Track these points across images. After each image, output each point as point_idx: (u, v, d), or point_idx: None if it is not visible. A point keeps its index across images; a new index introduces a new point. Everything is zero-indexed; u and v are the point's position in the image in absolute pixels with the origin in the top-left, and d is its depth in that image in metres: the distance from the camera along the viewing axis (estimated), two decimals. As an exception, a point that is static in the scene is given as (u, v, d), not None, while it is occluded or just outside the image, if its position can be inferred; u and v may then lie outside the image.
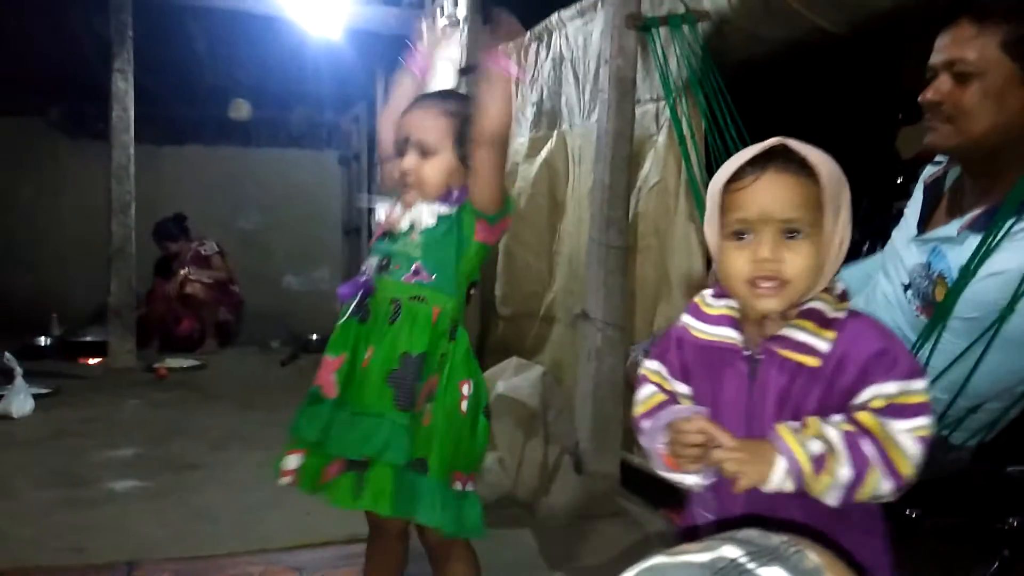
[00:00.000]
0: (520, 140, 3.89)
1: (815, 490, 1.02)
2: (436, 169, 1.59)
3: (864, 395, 1.04)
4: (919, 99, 1.59)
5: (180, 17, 5.31)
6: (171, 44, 5.48)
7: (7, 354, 3.89)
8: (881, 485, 1.02)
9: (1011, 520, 1.78)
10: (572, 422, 2.92)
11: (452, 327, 1.59)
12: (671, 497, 1.19)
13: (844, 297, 1.10)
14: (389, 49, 5.41)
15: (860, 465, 1.01)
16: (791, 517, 1.07)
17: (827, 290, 1.09)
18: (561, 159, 3.57)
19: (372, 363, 1.55)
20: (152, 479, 2.91)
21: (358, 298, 1.60)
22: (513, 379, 2.92)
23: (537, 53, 3.77)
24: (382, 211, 1.67)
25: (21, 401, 3.70)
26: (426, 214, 1.60)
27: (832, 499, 1.03)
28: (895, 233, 1.78)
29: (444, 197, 1.61)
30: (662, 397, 1.20)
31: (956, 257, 1.53)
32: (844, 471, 1.01)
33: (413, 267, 1.58)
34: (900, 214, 1.82)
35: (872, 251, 2.10)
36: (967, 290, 1.47)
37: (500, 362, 3.12)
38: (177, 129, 6.73)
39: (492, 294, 4.06)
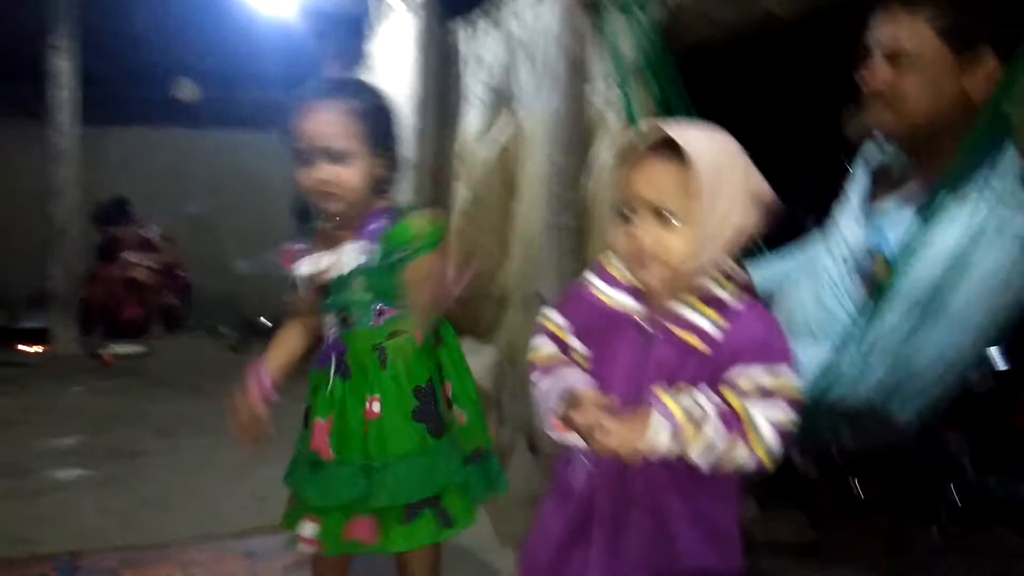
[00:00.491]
0: (471, 120, 3.87)
1: (691, 447, 1.08)
2: (353, 174, 1.50)
3: (734, 371, 1.10)
4: (856, 80, 1.62)
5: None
6: (114, 21, 5.33)
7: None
8: (743, 458, 1.09)
9: (950, 486, 1.84)
10: (527, 404, 2.93)
11: (435, 334, 1.61)
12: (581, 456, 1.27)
13: (746, 288, 1.15)
14: (339, 28, 5.34)
15: (728, 433, 1.08)
16: (656, 477, 1.15)
17: (730, 278, 1.14)
18: (514, 140, 3.56)
19: (385, 411, 1.53)
20: (97, 467, 2.86)
21: (334, 360, 1.57)
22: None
23: (489, 33, 3.74)
24: (305, 268, 1.58)
25: (-42, 390, 3.60)
26: (356, 255, 1.53)
27: (704, 461, 1.09)
28: (837, 211, 1.82)
29: (365, 229, 1.54)
30: (559, 356, 1.25)
31: (895, 234, 1.57)
32: (715, 435, 1.08)
33: (374, 310, 1.56)
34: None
35: (819, 231, 2.14)
36: (908, 266, 1.51)
37: (453, 344, 3.12)
38: (121, 110, 6.51)
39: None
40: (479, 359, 2.94)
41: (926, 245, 1.49)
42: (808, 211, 2.67)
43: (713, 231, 1.09)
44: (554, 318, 1.28)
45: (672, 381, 1.13)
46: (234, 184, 6.62)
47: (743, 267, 1.18)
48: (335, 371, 1.56)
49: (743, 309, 1.13)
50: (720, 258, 1.13)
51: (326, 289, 1.58)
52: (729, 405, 1.09)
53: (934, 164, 1.59)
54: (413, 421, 1.54)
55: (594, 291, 1.21)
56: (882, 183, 1.76)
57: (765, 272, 2.02)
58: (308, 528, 1.57)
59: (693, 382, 1.12)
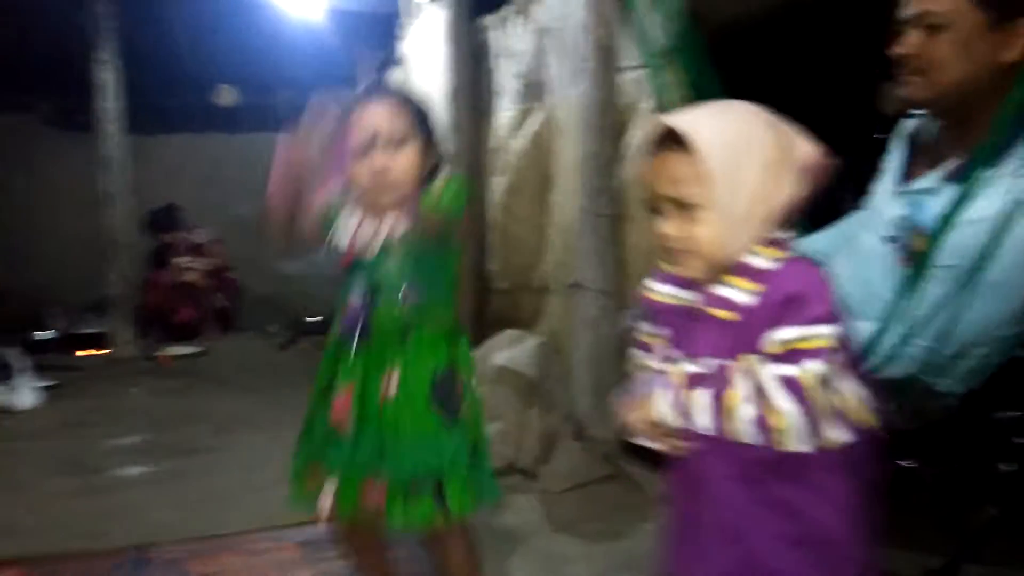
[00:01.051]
0: (506, 113, 3.89)
1: (690, 408, 1.07)
2: (409, 160, 1.56)
3: (768, 340, 1.06)
4: (890, 53, 1.61)
5: (161, 5, 5.28)
6: (154, 33, 5.45)
7: (8, 348, 3.93)
8: (742, 413, 1.03)
9: (1001, 466, 1.82)
10: (571, 390, 2.96)
11: (456, 332, 1.64)
12: (671, 459, 1.24)
13: (781, 245, 1.10)
14: (370, 28, 5.40)
15: (720, 385, 1.05)
16: (721, 472, 1.11)
17: (768, 241, 1.10)
18: (548, 131, 3.58)
19: (402, 391, 1.57)
20: (159, 464, 2.96)
21: (358, 332, 1.60)
22: (511, 350, 2.96)
23: (520, 25, 3.76)
24: (343, 237, 1.62)
25: (24, 394, 3.74)
26: (396, 235, 1.57)
27: (703, 420, 1.06)
28: (876, 187, 1.81)
29: (403, 208, 1.58)
30: (643, 361, 1.25)
31: (936, 208, 1.55)
32: (706, 392, 1.06)
33: (402, 292, 1.59)
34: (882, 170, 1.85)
35: (856, 209, 2.13)
36: (947, 239, 1.50)
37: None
38: (164, 118, 6.68)
39: (487, 268, 4.09)
40: (522, 348, 2.97)
41: (964, 216, 1.48)
42: (845, 188, 2.66)
43: (740, 212, 1.07)
44: (644, 327, 1.28)
45: (714, 358, 1.11)
46: (276, 186, 6.73)
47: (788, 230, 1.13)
48: (360, 338, 1.60)
49: (777, 269, 1.08)
50: (760, 233, 1.09)
51: (357, 261, 1.61)
52: (745, 365, 1.06)
53: (971, 136, 1.57)
54: (427, 403, 1.57)
55: (648, 293, 1.22)
56: (920, 158, 1.74)
57: (803, 250, 2.02)
58: (327, 495, 1.61)
59: (726, 353, 1.09)
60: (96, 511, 2.52)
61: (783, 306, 1.05)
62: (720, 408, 1.05)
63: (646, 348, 1.27)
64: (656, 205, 1.12)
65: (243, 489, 2.69)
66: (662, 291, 1.20)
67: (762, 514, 1.09)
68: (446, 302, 1.64)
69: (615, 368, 2.76)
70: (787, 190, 1.09)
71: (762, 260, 1.09)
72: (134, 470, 2.91)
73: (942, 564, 1.90)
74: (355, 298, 1.62)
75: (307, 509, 1.66)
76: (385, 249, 1.58)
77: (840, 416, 1.05)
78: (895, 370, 1.62)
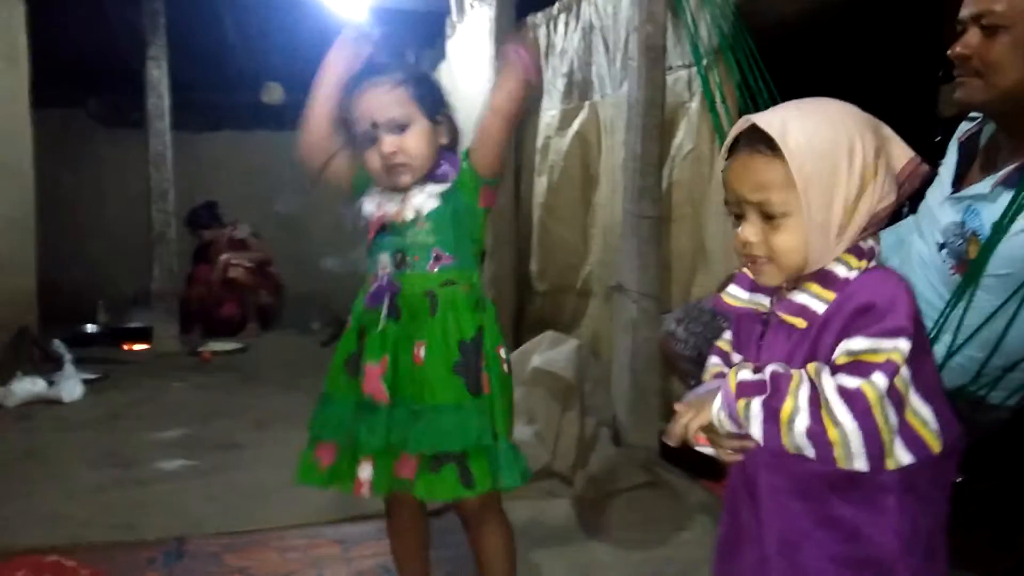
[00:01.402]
0: (551, 112, 3.87)
1: (739, 414, 1.03)
2: (418, 140, 1.54)
3: (836, 351, 1.01)
4: (948, 53, 1.56)
5: (211, 3, 5.35)
6: (203, 31, 5.54)
7: (56, 341, 4.01)
8: (796, 424, 0.98)
9: (1058, 481, 1.75)
10: (609, 394, 2.92)
11: (481, 298, 1.62)
12: (710, 467, 1.20)
13: (866, 256, 1.04)
14: (417, 26, 5.41)
15: (777, 396, 1.00)
16: (776, 484, 1.07)
17: (853, 250, 1.04)
18: (593, 130, 3.55)
19: (429, 358, 1.54)
20: (200, 458, 2.98)
21: (387, 301, 1.58)
22: (549, 352, 2.93)
23: (566, 23, 3.74)
24: (371, 205, 1.62)
25: (71, 386, 3.81)
26: (425, 198, 1.56)
27: (755, 429, 1.01)
28: (929, 192, 1.75)
29: (434, 174, 1.58)
30: (719, 369, 1.22)
31: (990, 214, 1.50)
32: (759, 399, 1.01)
33: (433, 254, 1.57)
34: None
35: (912, 213, 2.07)
36: (1000, 246, 1.45)
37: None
38: (212, 115, 6.79)
39: (528, 269, 4.07)
40: (561, 351, 2.94)
41: (1019, 224, 1.43)
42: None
43: (829, 223, 1.00)
44: (726, 335, 1.25)
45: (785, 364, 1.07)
46: (321, 183, 6.80)
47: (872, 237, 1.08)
48: (388, 312, 1.57)
49: (854, 278, 1.02)
50: (847, 244, 1.03)
51: (385, 228, 1.60)
52: (806, 373, 1.01)
53: (1030, 140, 1.52)
54: (453, 373, 1.54)
55: (726, 298, 1.16)
56: (975, 163, 1.69)
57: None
58: (364, 471, 1.58)
59: (795, 360, 1.05)
60: (135, 503, 2.55)
61: (856, 316, 1.00)
62: (774, 417, 1.00)
63: (721, 354, 1.24)
64: (738, 208, 1.07)
65: (281, 485, 2.69)
66: (739, 295, 1.15)
67: (816, 531, 1.04)
68: (473, 266, 1.62)
69: (654, 372, 2.72)
70: (880, 199, 1.03)
71: (844, 269, 1.03)
72: (174, 463, 2.94)
73: (994, 584, 1.83)
74: (382, 268, 1.60)
75: (314, 483, 1.66)
76: (414, 215, 1.56)
77: (905, 436, 1.00)
78: (945, 381, 1.56)
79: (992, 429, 1.68)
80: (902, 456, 1.00)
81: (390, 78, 1.55)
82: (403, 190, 1.58)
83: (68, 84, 5.99)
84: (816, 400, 0.98)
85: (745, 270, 1.14)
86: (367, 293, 1.62)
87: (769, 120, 1.02)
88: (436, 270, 1.57)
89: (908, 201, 1.94)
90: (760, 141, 1.02)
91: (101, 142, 6.55)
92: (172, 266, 5.05)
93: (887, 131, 1.06)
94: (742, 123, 1.06)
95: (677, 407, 1.13)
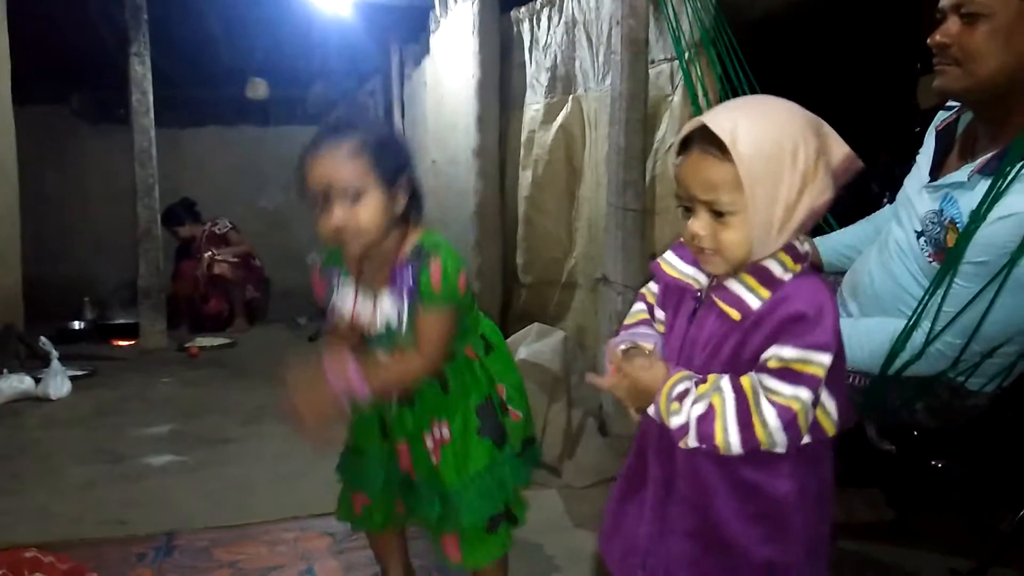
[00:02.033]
0: (535, 106, 3.88)
1: (664, 417, 1.13)
2: (371, 212, 1.45)
3: (767, 353, 1.09)
4: (927, 42, 1.58)
5: (194, -1, 5.33)
6: (186, 26, 5.51)
7: (43, 338, 4.00)
8: (728, 438, 1.09)
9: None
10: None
11: (485, 342, 1.64)
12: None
13: (801, 259, 1.11)
14: (401, 21, 5.41)
15: (709, 413, 1.10)
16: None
17: (789, 250, 1.11)
18: (577, 124, 3.57)
19: (456, 434, 1.58)
20: (188, 453, 2.99)
21: (396, 395, 1.61)
22: (535, 344, 2.95)
23: (549, 18, 3.75)
24: (344, 303, 1.58)
25: (58, 383, 3.80)
26: (391, 307, 1.52)
27: (677, 431, 1.12)
28: (907, 181, 1.78)
29: (394, 281, 1.51)
30: (644, 315, 1.31)
31: (967, 202, 1.53)
32: (695, 408, 1.11)
33: None
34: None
35: (891, 202, 2.10)
36: (977, 234, 1.47)
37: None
38: (196, 111, 6.77)
39: (514, 262, 4.09)
40: (547, 343, 2.96)
41: (996, 212, 1.45)
42: (878, 182, 2.62)
43: (770, 220, 1.06)
44: (651, 287, 1.33)
45: (717, 354, 1.14)
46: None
47: (809, 239, 1.15)
48: (399, 401, 1.61)
49: (790, 281, 1.10)
50: (787, 240, 1.09)
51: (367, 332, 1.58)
52: (738, 383, 1.10)
53: (1005, 130, 1.54)
54: (479, 439, 1.58)
55: (663, 265, 1.23)
56: (953, 151, 1.72)
57: (834, 245, 2.00)
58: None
59: (723, 348, 1.14)
60: (124, 498, 2.56)
61: (787, 323, 1.07)
62: (711, 427, 1.10)
63: (646, 303, 1.33)
64: (686, 202, 1.12)
65: (270, 479, 2.71)
66: (676, 265, 1.22)
67: (726, 489, 1.16)
68: (470, 329, 1.62)
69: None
70: (819, 196, 1.08)
71: (779, 268, 1.11)
72: (162, 459, 2.95)
73: (969, 567, 1.87)
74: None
75: (352, 523, 1.78)
76: (388, 326, 1.52)
77: (812, 425, 1.12)
78: (923, 367, 1.60)
79: (971, 415, 1.72)
80: (806, 438, 1.13)
81: (349, 143, 1.45)
82: (370, 296, 1.54)
83: (51, 80, 5.96)
84: (746, 415, 1.08)
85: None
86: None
87: (720, 123, 1.06)
88: None
89: (887, 191, 1.98)
90: (711, 143, 1.07)
91: (85, 138, 6.52)
92: (158, 262, 5.03)
93: (827, 128, 1.11)
94: (694, 123, 1.10)
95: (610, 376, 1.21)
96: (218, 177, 6.63)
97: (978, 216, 1.48)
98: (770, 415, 1.07)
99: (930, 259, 1.61)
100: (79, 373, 4.12)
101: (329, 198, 1.44)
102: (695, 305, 1.20)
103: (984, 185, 1.50)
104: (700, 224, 1.10)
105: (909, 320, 1.59)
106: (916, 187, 1.72)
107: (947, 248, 1.55)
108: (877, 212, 1.97)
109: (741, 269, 1.12)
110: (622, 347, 1.23)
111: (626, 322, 1.32)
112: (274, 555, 2.14)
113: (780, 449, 1.09)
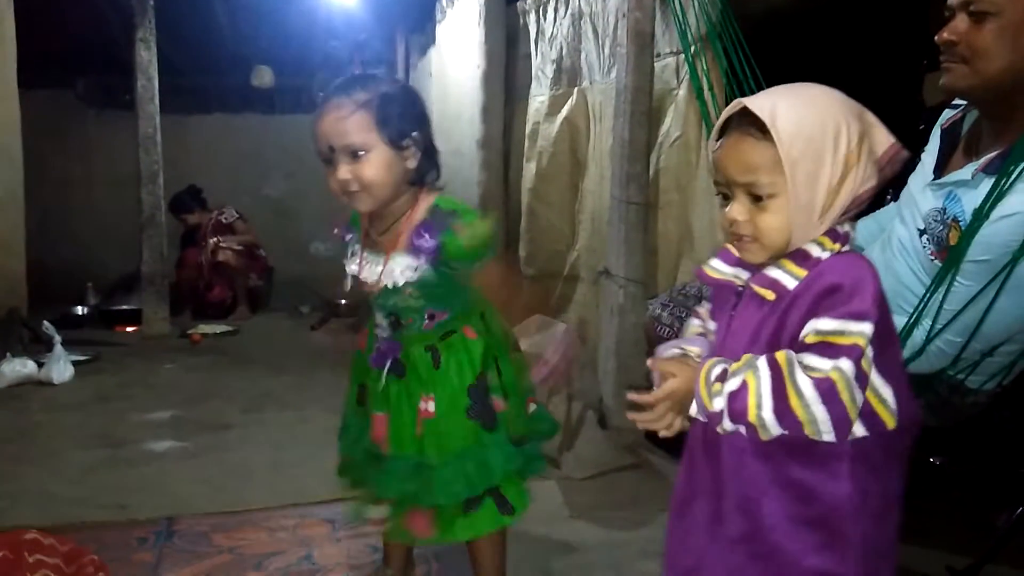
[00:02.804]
0: (540, 98, 3.88)
1: (707, 402, 1.06)
2: (375, 168, 1.46)
3: (804, 329, 1.04)
4: (935, 39, 1.58)
5: (201, -15, 5.33)
6: (192, 13, 5.50)
7: (46, 323, 4.01)
8: (761, 412, 1.02)
9: (1032, 466, 1.79)
10: (596, 378, 2.95)
11: (484, 323, 1.61)
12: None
13: (840, 239, 1.07)
14: (408, 10, 5.40)
15: (742, 389, 1.03)
16: (739, 444, 1.10)
17: (829, 232, 1.07)
18: (582, 116, 3.57)
19: (441, 410, 1.55)
20: (189, 439, 3.00)
21: (389, 363, 1.58)
22: (536, 336, 2.95)
23: (556, 10, 3.74)
24: (352, 266, 1.59)
25: (61, 368, 3.81)
26: (402, 271, 1.51)
27: (717, 415, 1.06)
28: (911, 179, 1.78)
29: (413, 244, 1.50)
30: (698, 330, 1.26)
31: (971, 201, 1.53)
32: (729, 385, 1.04)
33: (426, 315, 1.56)
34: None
35: (895, 200, 2.10)
36: (980, 233, 1.48)
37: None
38: (202, 98, 6.78)
39: (516, 254, 4.09)
40: (548, 335, 2.96)
41: (998, 210, 1.45)
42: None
43: (811, 204, 1.04)
44: (705, 304, 1.29)
45: (756, 339, 1.10)
46: (310, 167, 6.75)
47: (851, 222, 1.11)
48: (392, 370, 1.58)
49: (825, 258, 1.06)
50: (828, 226, 1.06)
51: (375, 292, 1.58)
52: (773, 359, 1.03)
53: (1010, 129, 1.54)
54: (468, 419, 1.55)
55: (707, 269, 1.20)
56: (958, 150, 1.71)
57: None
58: (376, 512, 1.66)
59: (763, 332, 1.09)
60: (125, 483, 2.57)
61: (823, 296, 1.03)
62: (744, 402, 1.04)
63: (699, 318, 1.28)
64: (726, 188, 1.10)
65: (270, 466, 2.72)
66: (720, 268, 1.18)
67: (774, 490, 1.08)
68: (472, 305, 1.61)
69: (640, 356, 2.74)
70: (861, 182, 1.06)
71: (817, 249, 1.07)
72: (164, 444, 2.96)
73: (966, 564, 1.87)
74: (379, 328, 1.60)
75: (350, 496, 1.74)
76: (395, 285, 1.52)
77: (862, 411, 1.03)
78: (924, 365, 1.60)
79: (971, 413, 1.72)
80: (856, 428, 1.05)
81: (352, 100, 1.46)
82: (379, 255, 1.55)
83: (56, 65, 5.96)
84: (780, 386, 1.01)
85: (729, 245, 1.17)
86: (370, 353, 1.62)
87: (760, 104, 1.05)
88: (433, 327, 1.57)
89: (891, 188, 1.97)
90: (750, 124, 1.05)
91: (90, 124, 6.53)
92: (162, 249, 5.04)
93: (870, 117, 1.08)
94: (734, 105, 1.08)
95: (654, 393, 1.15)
96: (223, 164, 6.63)
97: (981, 214, 1.48)
98: (805, 385, 1.00)
99: (932, 257, 1.61)
100: (82, 358, 4.13)
101: (335, 155, 1.46)
102: (736, 300, 1.16)
103: (988, 184, 1.50)
104: (739, 209, 1.07)
105: (910, 318, 1.59)
106: (920, 185, 1.72)
107: (949, 246, 1.56)
108: (881, 209, 1.97)
109: (780, 257, 1.09)
110: (668, 353, 1.18)
111: (685, 335, 1.28)
112: (274, 541, 2.15)
113: (827, 434, 1.01)
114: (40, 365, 3.81)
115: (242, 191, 6.41)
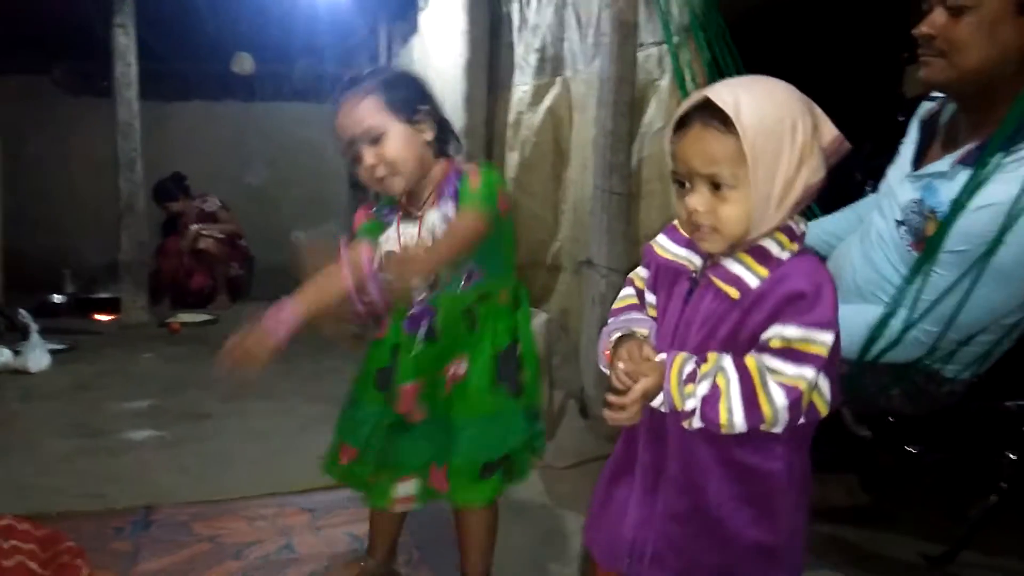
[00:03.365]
0: (523, 88, 3.87)
1: (677, 402, 1.10)
2: (396, 146, 1.55)
3: (768, 332, 1.08)
4: (913, 32, 1.59)
5: (180, -30, 5.26)
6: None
7: (22, 311, 3.96)
8: (733, 418, 1.08)
9: (1008, 454, 1.82)
10: (577, 367, 2.96)
11: (517, 299, 1.66)
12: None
13: (798, 239, 1.11)
14: (391, -1, 5.35)
15: (713, 393, 1.08)
16: (684, 428, 1.14)
17: (786, 230, 1.11)
18: (565, 106, 3.56)
19: (472, 372, 1.59)
20: (168, 428, 2.98)
21: (426, 326, 1.61)
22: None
23: (539, -1, 3.73)
24: (390, 241, 1.63)
25: (38, 356, 3.77)
26: (438, 223, 1.57)
27: (686, 414, 1.10)
28: (890, 170, 1.79)
29: (443, 193, 1.59)
30: (633, 300, 1.30)
31: (948, 192, 1.54)
32: (700, 388, 1.09)
33: (464, 273, 1.59)
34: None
35: (875, 192, 2.11)
36: (957, 223, 1.49)
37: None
38: (181, 85, 6.69)
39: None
40: (532, 324, 2.97)
41: (976, 201, 1.47)
42: (861, 171, 2.63)
43: (770, 194, 1.06)
44: (639, 272, 1.32)
45: (713, 333, 1.13)
46: (291, 156, 6.74)
47: (804, 220, 1.15)
48: (425, 337, 1.61)
49: (788, 260, 1.10)
50: (784, 217, 1.10)
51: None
52: (742, 363, 1.08)
53: (988, 121, 1.56)
54: (495, 382, 1.59)
55: (655, 247, 1.23)
56: (936, 142, 1.73)
57: (816, 231, 2.01)
58: (403, 489, 1.65)
59: (721, 327, 1.12)
60: (103, 472, 2.55)
61: (787, 302, 1.07)
62: (717, 408, 1.08)
63: (635, 288, 1.31)
64: (685, 178, 1.11)
65: (250, 455, 2.71)
66: (669, 248, 1.21)
67: (721, 471, 1.16)
68: (507, 272, 1.65)
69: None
70: (814, 173, 1.09)
71: (776, 248, 1.11)
72: (142, 433, 2.94)
73: (940, 551, 1.90)
74: (414, 295, 1.63)
75: (334, 476, 1.74)
76: (432, 239, 1.56)
77: (809, 406, 1.11)
78: (901, 354, 1.62)
79: (947, 402, 1.74)
80: (802, 419, 1.11)
81: (358, 92, 1.56)
82: (415, 220, 1.60)
83: (32, 50, 5.87)
84: (752, 395, 1.07)
85: (677, 224, 1.20)
86: (404, 317, 1.64)
87: (723, 96, 1.06)
88: (470, 288, 1.60)
89: (871, 180, 1.99)
90: (713, 116, 1.07)
91: (67, 110, 6.42)
92: (140, 237, 4.99)
93: (818, 110, 1.11)
94: (695, 98, 1.10)
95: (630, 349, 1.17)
96: (203, 152, 6.56)
97: (959, 205, 1.49)
98: (778, 395, 1.06)
99: (910, 248, 1.62)
100: (59, 347, 4.09)
101: (357, 148, 1.55)
102: (690, 286, 1.18)
103: (965, 175, 1.51)
104: (698, 199, 1.09)
105: (888, 307, 1.60)
106: (899, 176, 1.73)
107: (927, 237, 1.57)
108: (860, 200, 1.99)
109: (737, 248, 1.12)
110: (616, 335, 1.21)
111: (615, 307, 1.31)
112: (253, 530, 2.14)
113: (779, 429, 1.09)
114: (16, 354, 3.77)
115: (222, 179, 6.35)
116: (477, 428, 1.58)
